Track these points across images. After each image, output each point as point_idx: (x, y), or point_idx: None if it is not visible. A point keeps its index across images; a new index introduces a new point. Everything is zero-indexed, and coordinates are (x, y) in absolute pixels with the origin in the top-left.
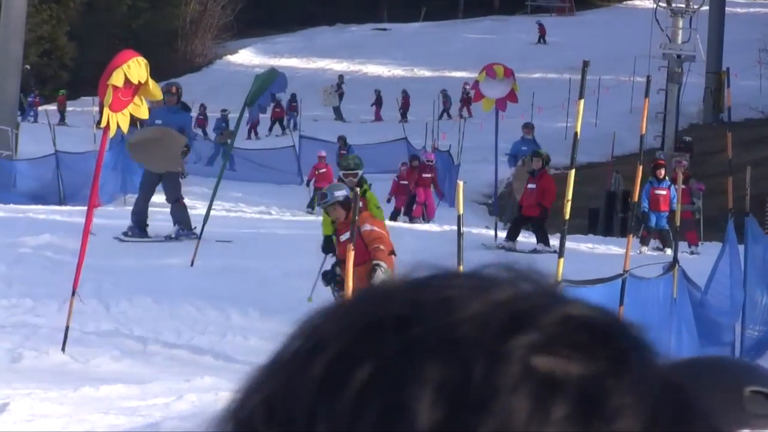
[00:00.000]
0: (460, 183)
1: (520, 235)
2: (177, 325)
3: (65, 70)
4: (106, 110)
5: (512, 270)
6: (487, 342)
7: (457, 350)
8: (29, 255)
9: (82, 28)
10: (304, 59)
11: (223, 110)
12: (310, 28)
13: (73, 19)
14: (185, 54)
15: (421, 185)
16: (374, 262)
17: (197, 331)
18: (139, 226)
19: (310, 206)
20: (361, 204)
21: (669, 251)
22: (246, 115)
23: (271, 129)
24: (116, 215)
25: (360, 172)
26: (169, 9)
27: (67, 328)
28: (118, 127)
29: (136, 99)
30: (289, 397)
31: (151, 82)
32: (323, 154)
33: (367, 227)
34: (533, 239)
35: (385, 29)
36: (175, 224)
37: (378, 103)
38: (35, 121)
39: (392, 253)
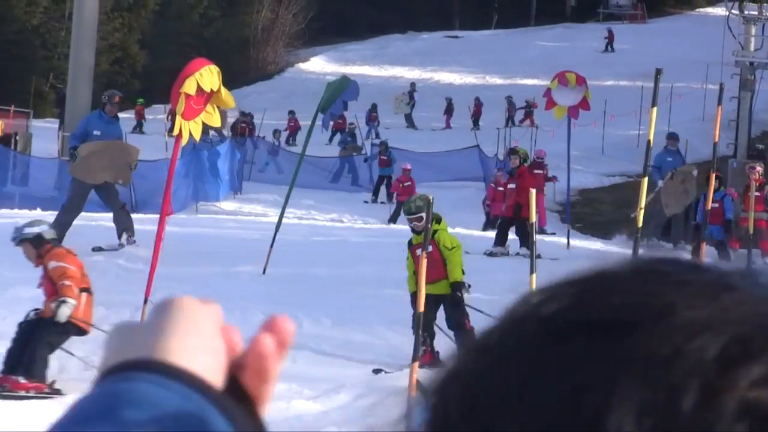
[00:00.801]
0: (533, 191)
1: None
2: (248, 333)
3: (137, 78)
4: (178, 118)
5: (747, 275)
6: (705, 369)
7: (669, 371)
8: (102, 263)
9: (154, 36)
10: (375, 67)
11: (351, 124)
12: (381, 36)
13: (145, 27)
14: (257, 62)
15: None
16: (60, 298)
17: None
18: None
19: (392, 220)
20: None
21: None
22: (318, 122)
23: (331, 139)
24: (188, 223)
25: (422, 215)
26: (240, 17)
27: None
28: (191, 134)
29: (209, 107)
30: (488, 393)
31: (223, 90)
32: (408, 167)
33: (53, 264)
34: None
35: (456, 36)
36: (122, 231)
37: (449, 110)
38: None
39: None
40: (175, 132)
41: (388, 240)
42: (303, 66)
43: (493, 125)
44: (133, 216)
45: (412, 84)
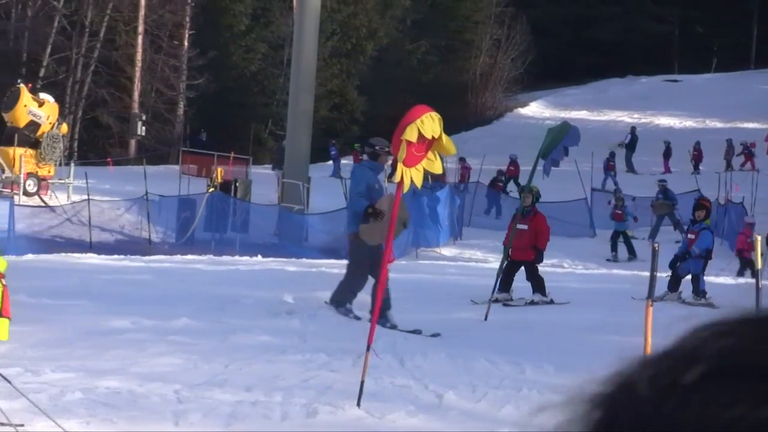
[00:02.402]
0: (758, 237)
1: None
2: (471, 379)
3: (355, 124)
4: (399, 165)
5: None
6: None
7: None
8: (323, 310)
9: (372, 82)
10: (594, 111)
11: (662, 180)
12: (600, 80)
13: (363, 73)
14: (475, 107)
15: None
16: None
17: (492, 385)
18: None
19: (739, 273)
20: None
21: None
22: (539, 168)
23: (505, 186)
24: (409, 269)
25: None
26: (458, 62)
27: (362, 382)
28: (412, 181)
29: (430, 154)
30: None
31: (444, 137)
32: (752, 221)
33: None
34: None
35: (676, 80)
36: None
37: (667, 154)
38: (337, 175)
39: None
40: (397, 179)
41: (611, 286)
42: (522, 111)
43: (714, 169)
44: None
45: (632, 128)
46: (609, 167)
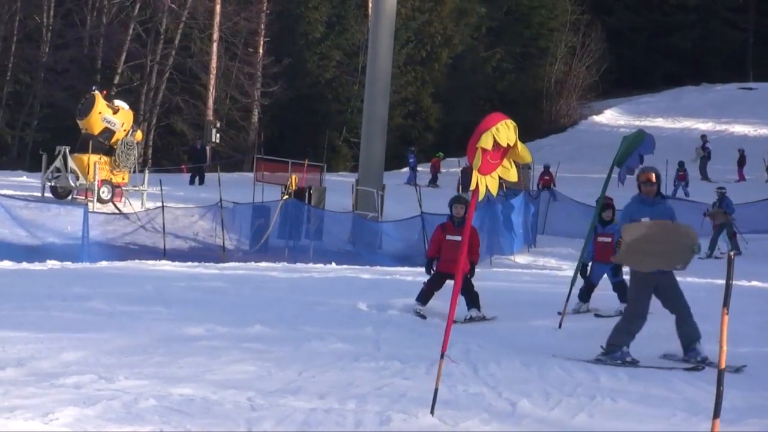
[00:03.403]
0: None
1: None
2: (545, 387)
3: (430, 132)
4: (475, 173)
5: None
6: None
7: None
8: (397, 317)
9: (447, 89)
10: (669, 119)
11: (720, 188)
12: (675, 88)
13: (438, 80)
14: (550, 114)
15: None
16: None
17: (566, 393)
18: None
19: None
20: None
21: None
22: (614, 176)
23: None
24: (482, 277)
25: None
26: (534, 70)
27: (436, 390)
28: (488, 189)
29: (505, 162)
30: None
31: (519, 144)
32: None
33: None
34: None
35: (750, 88)
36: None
37: (741, 162)
38: (412, 182)
39: None
40: (472, 187)
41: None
42: (596, 118)
43: None
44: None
45: (703, 136)
46: (680, 177)
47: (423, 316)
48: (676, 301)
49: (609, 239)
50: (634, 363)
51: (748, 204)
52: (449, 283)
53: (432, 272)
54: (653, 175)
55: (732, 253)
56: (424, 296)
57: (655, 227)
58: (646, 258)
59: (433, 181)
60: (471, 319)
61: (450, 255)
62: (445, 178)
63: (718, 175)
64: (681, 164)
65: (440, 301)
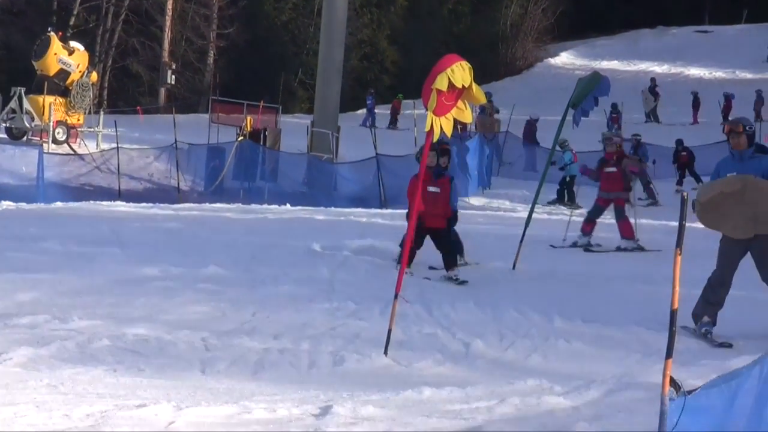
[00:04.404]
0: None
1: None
2: (499, 328)
3: (386, 74)
4: (429, 114)
5: None
6: None
7: None
8: (351, 259)
9: (403, 32)
10: (625, 62)
11: (635, 135)
12: (631, 31)
13: (394, 23)
14: (506, 57)
15: None
16: None
17: (520, 334)
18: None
19: None
20: None
21: None
22: (569, 118)
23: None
24: None
25: None
26: (490, 13)
27: (389, 331)
28: (442, 130)
29: (460, 103)
30: None
31: (474, 86)
32: None
33: None
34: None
35: (706, 32)
36: None
37: (696, 105)
38: (368, 125)
39: None
40: (427, 128)
41: (640, 236)
42: (552, 61)
43: None
44: (382, 211)
45: (653, 79)
46: (613, 120)
47: (409, 273)
48: None
49: (439, 189)
50: (707, 336)
51: (707, 146)
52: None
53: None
54: (740, 126)
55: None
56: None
57: (737, 183)
58: (731, 220)
59: (393, 123)
60: (451, 279)
61: (430, 208)
62: (405, 121)
63: (673, 118)
64: (614, 106)
65: (395, 242)
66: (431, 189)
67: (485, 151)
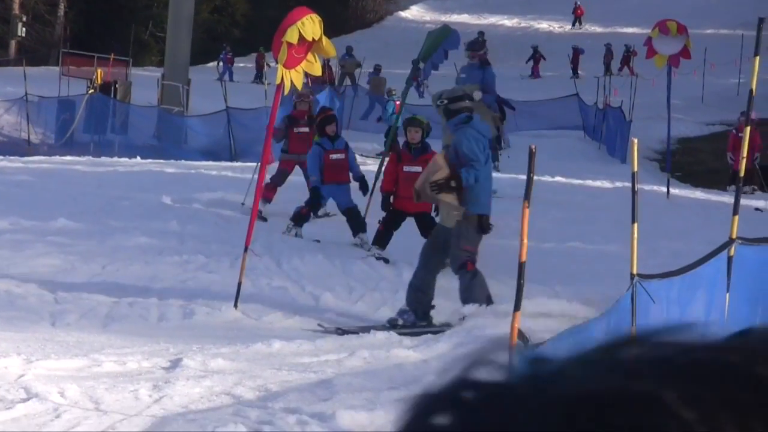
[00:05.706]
0: (635, 140)
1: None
2: (348, 281)
3: (237, 27)
4: (280, 67)
5: None
6: None
7: None
8: (201, 212)
9: None
10: (475, 15)
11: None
12: None
13: None
14: (356, 10)
15: None
16: None
17: (369, 287)
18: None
19: None
20: None
21: None
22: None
23: None
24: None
25: None
26: None
27: (239, 284)
28: (292, 83)
29: (310, 56)
30: None
31: (324, 39)
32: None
33: None
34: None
35: None
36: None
37: (536, 59)
38: (231, 79)
39: None
40: (277, 81)
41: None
42: (403, 14)
43: (593, 74)
44: (232, 165)
45: (480, 32)
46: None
47: (386, 260)
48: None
49: (342, 155)
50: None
51: (554, 100)
52: (410, 223)
53: (390, 210)
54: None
55: (533, 146)
56: (382, 238)
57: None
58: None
59: (259, 78)
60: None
61: (409, 191)
62: (248, 73)
63: (514, 71)
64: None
65: (242, 196)
66: (410, 169)
67: (336, 104)
